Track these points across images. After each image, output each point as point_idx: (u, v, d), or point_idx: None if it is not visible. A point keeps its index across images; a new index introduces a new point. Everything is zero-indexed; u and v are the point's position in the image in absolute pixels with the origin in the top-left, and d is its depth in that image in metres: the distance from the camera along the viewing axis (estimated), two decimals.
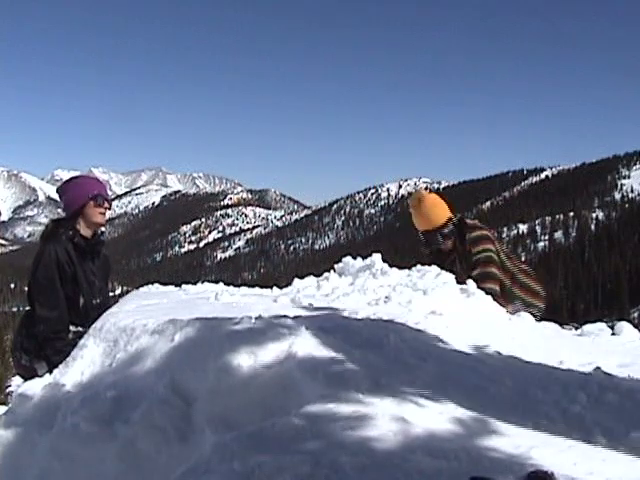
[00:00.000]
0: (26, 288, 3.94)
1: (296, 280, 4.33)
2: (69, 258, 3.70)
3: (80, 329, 3.68)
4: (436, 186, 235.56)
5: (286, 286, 4.29)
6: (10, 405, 2.99)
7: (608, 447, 1.77)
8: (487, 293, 3.76)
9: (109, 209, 3.91)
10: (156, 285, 4.38)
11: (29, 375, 3.53)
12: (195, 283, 4.57)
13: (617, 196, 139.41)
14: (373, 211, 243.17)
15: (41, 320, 3.65)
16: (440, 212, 4.39)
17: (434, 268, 3.96)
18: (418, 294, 3.56)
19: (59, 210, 4.03)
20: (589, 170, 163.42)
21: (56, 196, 4.05)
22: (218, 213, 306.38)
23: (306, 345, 2.29)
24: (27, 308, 3.90)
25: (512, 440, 1.75)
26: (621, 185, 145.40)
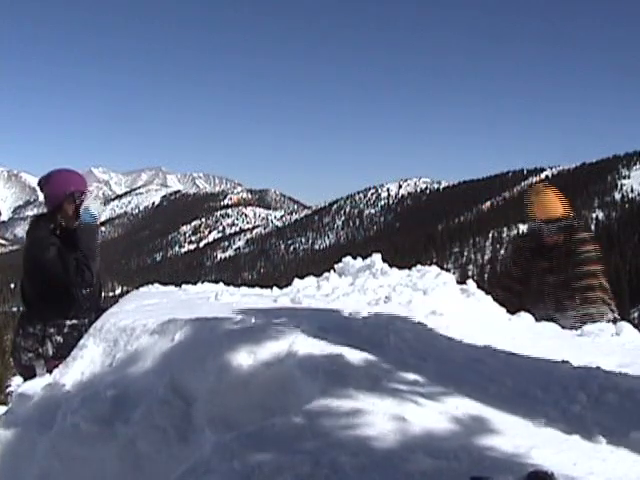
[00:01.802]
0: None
1: (296, 280, 4.34)
2: (55, 247, 3.71)
3: (75, 322, 3.70)
4: (436, 186, 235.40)
5: (286, 286, 4.30)
6: (10, 405, 2.99)
7: (608, 447, 1.77)
8: (588, 300, 4.07)
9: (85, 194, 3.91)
10: (156, 285, 4.38)
11: (29, 375, 3.53)
12: (195, 283, 4.57)
13: (617, 196, 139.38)
14: (373, 211, 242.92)
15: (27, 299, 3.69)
16: (560, 205, 4.44)
17: (434, 268, 3.96)
18: (418, 294, 3.56)
19: None
20: (589, 170, 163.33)
21: None
22: (218, 213, 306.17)
23: (306, 345, 2.29)
24: (22, 308, 3.93)
25: (512, 440, 1.75)
26: (621, 185, 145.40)
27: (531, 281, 4.53)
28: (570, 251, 4.38)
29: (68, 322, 3.72)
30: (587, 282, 4.28)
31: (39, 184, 3.96)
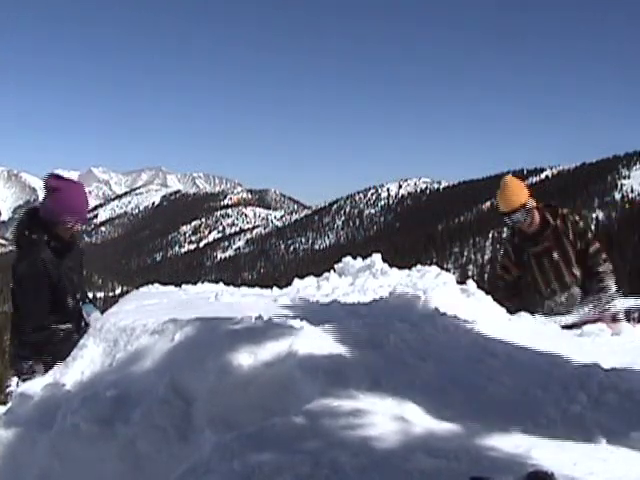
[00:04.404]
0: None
1: (296, 280, 4.34)
2: (54, 267, 3.71)
3: (69, 326, 3.73)
4: (436, 186, 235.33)
5: (286, 286, 4.30)
6: (10, 405, 2.99)
7: (608, 447, 1.77)
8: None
9: (81, 224, 3.88)
10: (156, 285, 4.39)
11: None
12: (195, 283, 4.58)
13: (617, 196, 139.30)
14: (373, 211, 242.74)
15: (25, 317, 3.71)
16: (522, 193, 4.57)
17: (434, 268, 3.97)
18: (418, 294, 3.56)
19: None
20: (589, 170, 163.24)
21: None
22: (218, 213, 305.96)
23: (306, 345, 2.29)
24: (14, 315, 3.91)
25: (512, 440, 1.75)
26: (621, 185, 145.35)
27: (528, 268, 4.60)
28: (562, 228, 4.51)
29: (62, 327, 3.73)
30: (595, 247, 4.48)
31: (45, 185, 3.90)
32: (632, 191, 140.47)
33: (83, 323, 3.86)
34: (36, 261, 3.66)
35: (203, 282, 4.69)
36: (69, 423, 2.40)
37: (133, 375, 2.56)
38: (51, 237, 3.74)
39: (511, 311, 3.69)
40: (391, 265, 4.15)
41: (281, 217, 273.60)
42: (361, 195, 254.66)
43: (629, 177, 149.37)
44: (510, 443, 1.73)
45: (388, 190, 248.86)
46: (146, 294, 3.95)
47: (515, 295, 4.52)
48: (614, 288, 4.38)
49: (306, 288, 4.06)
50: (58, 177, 3.93)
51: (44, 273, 3.66)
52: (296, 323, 2.52)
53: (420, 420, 1.81)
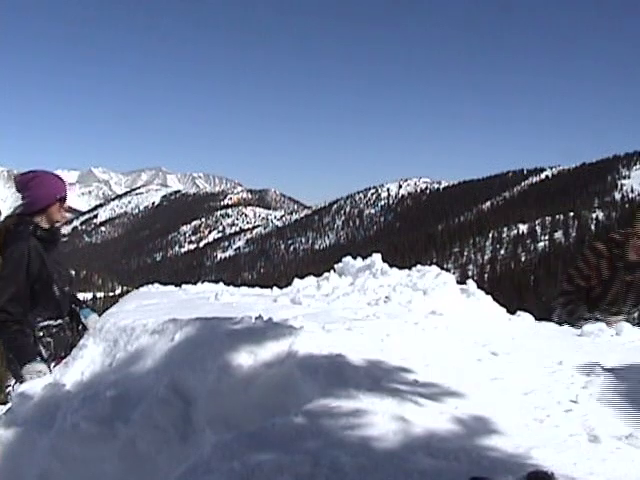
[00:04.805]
0: None
1: (296, 280, 4.34)
2: (38, 254, 3.66)
3: (60, 321, 3.71)
4: (436, 186, 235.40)
5: (286, 286, 4.30)
6: (10, 405, 2.99)
7: (608, 447, 1.77)
8: None
9: (67, 203, 3.91)
10: (156, 285, 4.39)
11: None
12: (195, 283, 4.58)
13: (617, 196, 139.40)
14: (373, 211, 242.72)
15: None
16: None
17: (434, 268, 3.97)
18: (418, 294, 3.56)
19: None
20: (589, 170, 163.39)
21: None
22: (218, 213, 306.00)
23: (306, 345, 2.29)
24: None
25: (512, 440, 1.75)
26: (621, 185, 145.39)
27: (605, 286, 4.56)
28: None
29: (54, 322, 3.72)
30: None
31: (20, 183, 3.86)
32: (632, 191, 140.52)
33: (80, 326, 3.85)
34: (20, 246, 3.59)
35: (203, 282, 4.69)
36: (69, 423, 2.39)
37: (133, 375, 2.56)
38: (36, 229, 3.71)
39: (511, 311, 3.68)
40: (391, 265, 4.14)
41: (281, 217, 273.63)
42: (361, 195, 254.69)
43: (629, 177, 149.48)
44: (510, 443, 1.73)
45: (388, 190, 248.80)
46: (146, 294, 3.96)
47: (580, 306, 4.49)
48: None
49: (306, 288, 4.06)
50: (26, 172, 3.93)
51: (25, 257, 3.58)
52: (296, 323, 2.53)
53: (420, 420, 1.81)
